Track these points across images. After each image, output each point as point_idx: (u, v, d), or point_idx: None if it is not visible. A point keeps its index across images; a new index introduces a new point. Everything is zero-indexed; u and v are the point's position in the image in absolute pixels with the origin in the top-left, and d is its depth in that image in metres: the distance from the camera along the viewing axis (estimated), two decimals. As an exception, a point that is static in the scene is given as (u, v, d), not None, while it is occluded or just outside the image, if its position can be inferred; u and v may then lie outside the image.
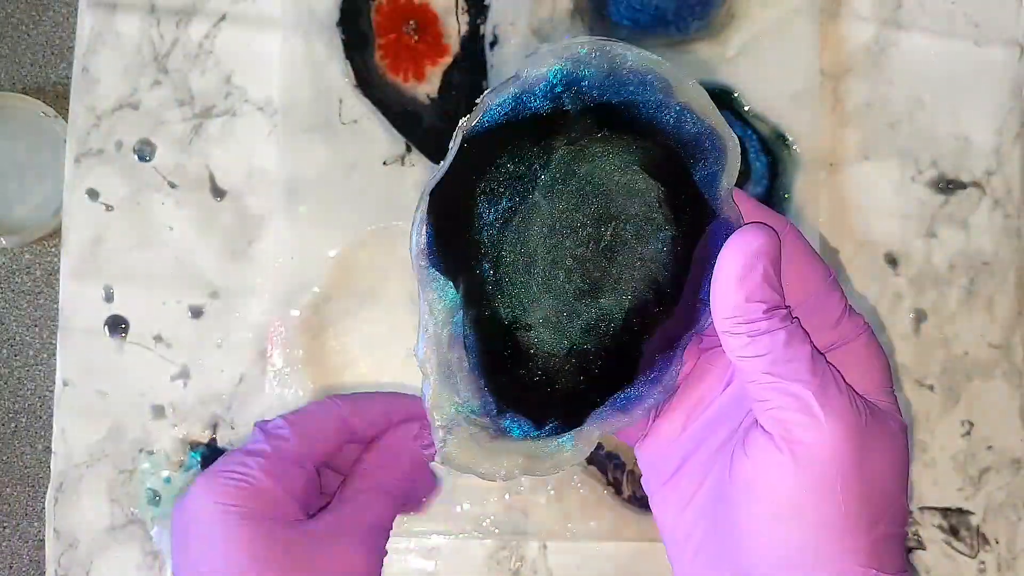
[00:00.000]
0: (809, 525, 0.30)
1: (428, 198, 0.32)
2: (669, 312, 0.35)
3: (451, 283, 0.33)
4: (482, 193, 0.35)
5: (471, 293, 0.34)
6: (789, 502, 0.30)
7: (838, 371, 0.31)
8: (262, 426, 0.43)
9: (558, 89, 0.33)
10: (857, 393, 0.31)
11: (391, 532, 0.42)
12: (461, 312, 0.33)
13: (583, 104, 0.33)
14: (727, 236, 0.31)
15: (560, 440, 0.33)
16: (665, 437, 0.36)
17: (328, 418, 0.44)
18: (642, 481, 0.37)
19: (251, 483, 0.39)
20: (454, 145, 0.32)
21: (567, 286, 0.35)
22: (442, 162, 0.32)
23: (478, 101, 0.32)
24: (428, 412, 0.33)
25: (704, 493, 0.34)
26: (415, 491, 0.47)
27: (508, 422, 0.34)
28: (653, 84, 0.33)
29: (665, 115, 0.33)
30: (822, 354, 0.31)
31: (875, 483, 0.31)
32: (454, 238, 0.34)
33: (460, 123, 0.32)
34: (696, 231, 0.34)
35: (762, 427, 0.31)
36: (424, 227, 0.32)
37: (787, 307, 0.31)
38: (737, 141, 0.32)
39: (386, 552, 0.42)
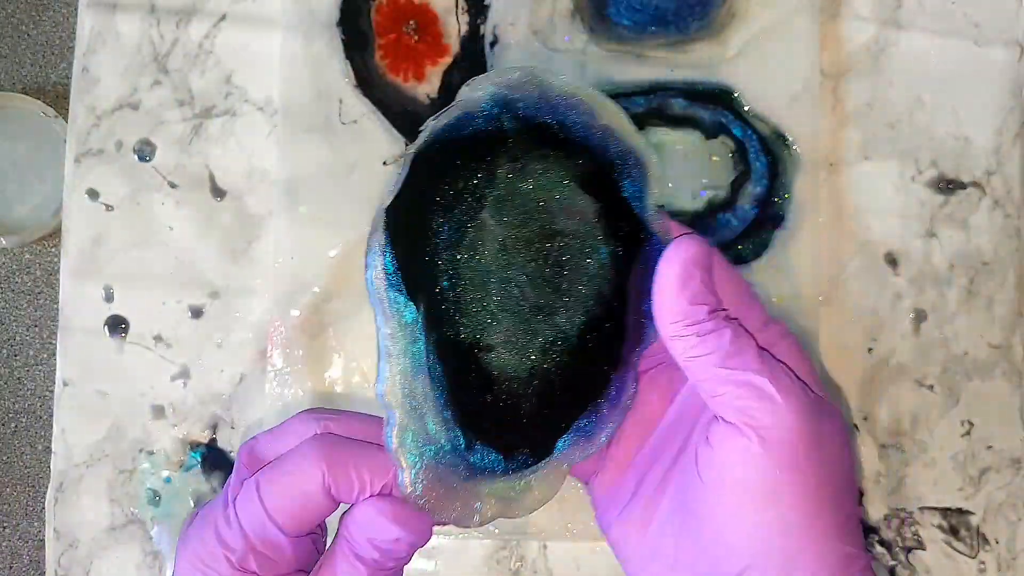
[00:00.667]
0: (786, 506, 0.31)
1: (384, 216, 0.32)
2: (619, 328, 0.35)
3: (412, 304, 0.32)
4: (434, 211, 0.35)
5: (432, 313, 0.34)
6: (761, 485, 0.31)
7: (781, 360, 0.33)
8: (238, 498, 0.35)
9: (495, 111, 0.34)
10: (801, 379, 0.33)
11: None
12: (423, 338, 0.33)
13: (521, 124, 0.34)
14: (660, 251, 0.32)
15: (527, 479, 0.33)
16: (619, 463, 0.36)
17: (309, 485, 0.34)
18: (595, 518, 0.37)
19: None
20: (403, 168, 0.32)
21: (523, 303, 0.36)
22: (392, 185, 0.32)
23: (422, 128, 0.33)
24: (392, 454, 0.31)
25: (666, 507, 0.34)
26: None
27: (477, 456, 0.33)
28: (579, 107, 0.33)
29: (594, 135, 0.34)
30: (764, 348, 0.33)
31: (832, 464, 0.32)
32: (411, 258, 0.33)
33: (407, 147, 0.32)
34: (632, 245, 0.35)
35: (722, 419, 0.32)
36: (381, 248, 0.32)
37: (725, 308, 0.32)
38: (656, 160, 0.34)
39: None
